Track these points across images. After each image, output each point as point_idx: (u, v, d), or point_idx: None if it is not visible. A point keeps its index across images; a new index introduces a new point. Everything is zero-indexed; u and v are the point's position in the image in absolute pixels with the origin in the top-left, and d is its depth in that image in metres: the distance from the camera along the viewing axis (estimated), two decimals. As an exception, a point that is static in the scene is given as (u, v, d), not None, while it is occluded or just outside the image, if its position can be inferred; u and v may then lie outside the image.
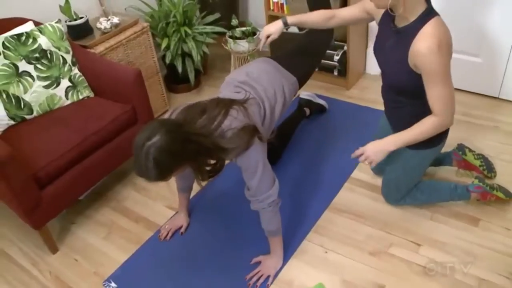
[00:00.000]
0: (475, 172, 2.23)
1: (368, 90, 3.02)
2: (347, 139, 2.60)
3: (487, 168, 2.20)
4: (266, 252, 1.98)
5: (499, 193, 2.05)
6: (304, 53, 2.19)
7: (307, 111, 2.75)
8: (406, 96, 1.78)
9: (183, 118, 1.61)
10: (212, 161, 1.70)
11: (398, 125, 1.87)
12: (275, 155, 2.43)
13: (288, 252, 2.00)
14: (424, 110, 1.71)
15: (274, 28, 2.01)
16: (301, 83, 2.16)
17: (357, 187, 2.30)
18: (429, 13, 1.59)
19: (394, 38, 1.70)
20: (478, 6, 2.46)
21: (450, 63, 1.59)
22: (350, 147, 2.51)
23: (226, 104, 1.70)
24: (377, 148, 1.77)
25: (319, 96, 2.89)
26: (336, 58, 2.93)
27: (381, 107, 2.77)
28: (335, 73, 3.02)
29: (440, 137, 1.83)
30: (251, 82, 1.92)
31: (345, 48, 2.91)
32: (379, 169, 2.26)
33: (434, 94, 1.62)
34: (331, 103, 2.89)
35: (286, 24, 2.00)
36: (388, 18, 1.73)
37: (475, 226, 2.02)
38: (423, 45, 1.55)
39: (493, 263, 1.86)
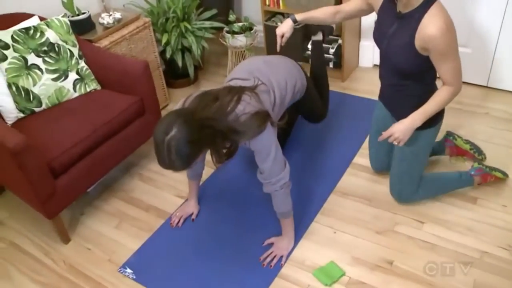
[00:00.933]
0: (466, 157, 2.34)
1: (362, 81, 3.13)
2: (345, 127, 2.70)
3: (477, 151, 2.31)
4: (277, 234, 2.05)
5: (497, 173, 2.17)
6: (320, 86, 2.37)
7: None
8: (411, 79, 1.85)
9: (196, 105, 1.65)
10: (228, 144, 1.75)
11: (402, 109, 1.94)
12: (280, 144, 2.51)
13: (298, 233, 2.07)
14: (426, 90, 1.82)
15: (286, 27, 2.13)
16: (306, 95, 2.21)
17: (360, 172, 2.39)
18: None
19: (398, 24, 1.77)
20: (467, -2, 2.60)
21: (457, 39, 1.68)
22: (348, 134, 2.64)
23: (238, 91, 1.76)
24: (405, 127, 1.83)
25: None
26: (332, 51, 3.02)
27: (375, 96, 2.91)
28: (331, 65, 3.11)
29: (440, 114, 1.93)
30: (266, 69, 1.99)
31: (340, 41, 3.01)
32: (380, 162, 2.29)
33: (446, 68, 1.71)
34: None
35: (295, 22, 2.11)
36: (389, 5, 1.81)
37: (474, 204, 2.12)
38: (433, 28, 1.62)
39: (492, 236, 1.97)
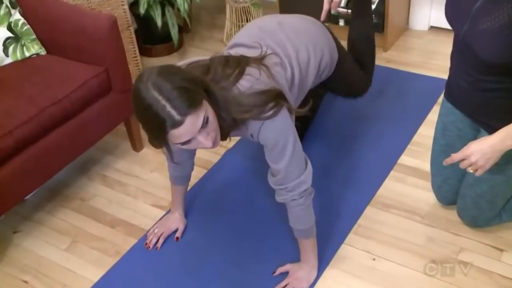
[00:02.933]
0: None
1: (413, 51, 3.16)
2: (388, 115, 2.73)
3: None
4: (294, 261, 2.06)
5: None
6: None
7: None
8: (507, 75, 1.78)
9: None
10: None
11: (489, 116, 1.90)
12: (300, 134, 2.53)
13: (323, 259, 2.09)
14: None
15: None
16: (336, 72, 2.24)
17: (408, 176, 2.42)
18: None
19: None
20: None
21: None
22: (392, 125, 2.66)
23: (239, 62, 1.77)
24: (489, 149, 1.75)
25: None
26: (372, 7, 3.01)
27: (430, 72, 2.94)
28: (369, 28, 3.13)
29: None
30: (281, 36, 2.00)
31: (383, -7, 3.03)
32: (452, 193, 2.22)
33: None
34: None
35: None
36: None
37: None
38: None
39: None
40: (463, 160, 1.80)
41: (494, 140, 1.75)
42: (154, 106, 1.51)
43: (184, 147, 1.64)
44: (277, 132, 1.75)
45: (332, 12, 2.18)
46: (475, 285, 1.97)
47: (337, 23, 3.20)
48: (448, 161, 1.85)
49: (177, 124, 1.52)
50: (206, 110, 1.58)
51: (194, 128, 1.55)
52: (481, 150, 1.76)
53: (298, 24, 2.11)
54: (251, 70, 1.75)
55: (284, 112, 1.75)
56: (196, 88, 1.57)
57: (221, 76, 1.71)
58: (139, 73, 1.82)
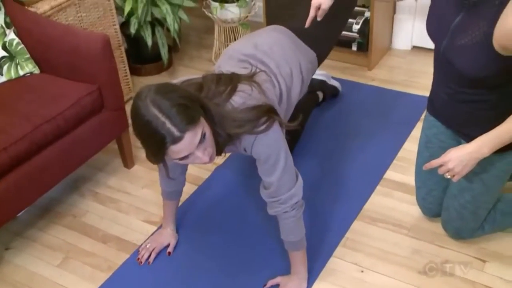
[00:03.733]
0: None
1: (396, 69, 3.23)
2: (374, 131, 2.79)
3: None
4: (284, 273, 2.10)
5: None
6: (325, 20, 2.31)
7: (321, 95, 2.89)
8: (485, 87, 1.83)
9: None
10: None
11: (469, 127, 1.95)
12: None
13: (313, 272, 2.12)
14: (508, 101, 1.81)
15: None
16: (321, 60, 2.32)
17: (393, 191, 2.47)
18: None
19: (466, 14, 1.75)
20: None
21: None
22: (379, 142, 2.72)
23: (231, 79, 1.83)
24: (465, 156, 1.81)
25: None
26: (356, 27, 3.10)
27: (413, 90, 3.01)
28: (354, 47, 3.21)
29: None
30: (261, 56, 2.06)
31: (367, 14, 3.09)
32: (436, 205, 2.26)
33: None
34: (349, 88, 3.08)
35: None
36: None
37: None
38: None
39: None
40: (441, 166, 1.86)
41: (471, 148, 1.81)
42: (154, 123, 1.55)
43: (182, 162, 1.68)
44: (270, 146, 1.80)
45: (318, 19, 2.19)
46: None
47: (350, 47, 3.25)
48: (427, 166, 1.92)
49: (176, 140, 1.56)
50: (203, 126, 1.63)
51: (192, 144, 1.60)
52: (459, 157, 1.83)
53: (270, 40, 2.15)
54: (243, 87, 1.81)
55: (276, 127, 1.80)
56: (193, 105, 1.62)
57: (214, 93, 1.75)
58: (128, 90, 1.87)
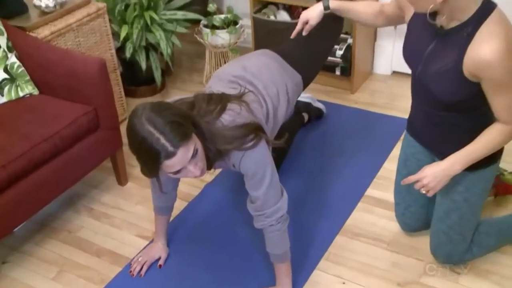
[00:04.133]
0: None
1: (377, 93, 3.27)
2: (356, 151, 2.82)
3: None
4: (269, 284, 2.11)
5: None
6: (311, 46, 2.36)
7: (306, 116, 2.93)
8: (457, 110, 1.86)
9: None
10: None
11: (443, 147, 1.96)
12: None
13: (297, 284, 2.13)
14: (479, 122, 1.84)
15: (314, 13, 2.16)
16: (306, 83, 2.37)
17: (374, 207, 2.50)
18: (487, 7, 1.66)
19: (438, 42, 1.79)
20: None
21: None
22: (360, 160, 2.76)
23: (221, 98, 1.87)
24: (439, 173, 1.84)
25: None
26: (339, 53, 3.15)
27: (393, 112, 3.06)
28: (337, 72, 3.25)
29: (500, 150, 1.94)
30: (250, 77, 2.10)
31: (350, 41, 3.14)
32: (414, 220, 2.28)
33: (501, 102, 1.72)
34: (334, 110, 3.12)
35: (327, 9, 2.15)
36: (424, 16, 1.77)
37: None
38: (486, 50, 1.61)
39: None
40: (417, 181, 1.88)
41: (444, 165, 1.85)
42: (149, 139, 1.59)
43: (175, 176, 1.71)
44: (257, 162, 1.83)
45: (304, 34, 2.22)
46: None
47: (334, 71, 3.28)
48: (405, 181, 1.94)
49: (170, 155, 1.60)
50: (195, 142, 1.67)
51: (185, 159, 1.63)
52: (433, 173, 1.85)
53: (259, 63, 2.20)
54: (232, 106, 1.84)
55: (262, 144, 1.84)
56: (185, 123, 1.65)
57: (205, 112, 1.79)
58: (123, 111, 1.88)
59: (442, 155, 1.95)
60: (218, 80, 2.13)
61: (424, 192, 1.89)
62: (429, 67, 1.83)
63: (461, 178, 1.94)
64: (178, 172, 1.68)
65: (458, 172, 1.84)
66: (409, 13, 1.90)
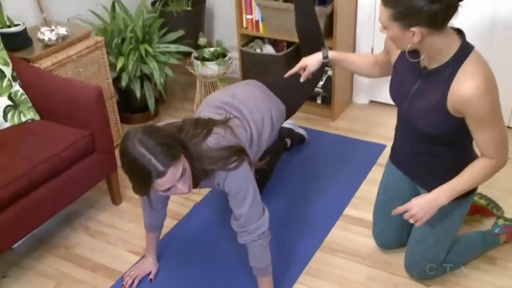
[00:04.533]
0: (483, 215, 2.48)
1: (356, 120, 3.33)
2: (335, 174, 2.88)
3: (495, 206, 2.47)
4: None
5: None
6: (295, 82, 2.39)
7: (289, 141, 3.00)
8: (442, 143, 1.91)
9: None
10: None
11: (428, 177, 2.02)
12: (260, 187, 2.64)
13: None
14: (462, 155, 1.91)
15: (313, 60, 2.20)
16: (290, 112, 2.44)
17: (352, 225, 2.54)
18: (466, 49, 1.73)
19: (423, 81, 1.84)
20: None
21: (499, 99, 1.74)
22: (339, 182, 2.81)
23: (207, 123, 1.93)
24: (426, 204, 1.88)
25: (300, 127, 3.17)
26: (320, 83, 3.23)
27: (372, 138, 3.13)
28: (319, 101, 3.33)
29: None
30: (237, 104, 2.17)
31: (330, 72, 3.22)
32: (390, 240, 2.34)
33: (485, 137, 1.77)
34: (316, 136, 3.18)
35: (326, 58, 2.20)
36: (410, 57, 1.82)
37: (493, 265, 2.27)
38: (468, 88, 1.67)
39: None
40: (406, 211, 1.92)
41: (430, 197, 1.89)
42: (141, 160, 1.63)
43: (165, 193, 1.75)
44: (239, 181, 1.88)
45: (301, 80, 2.23)
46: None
47: (315, 100, 3.35)
48: (394, 211, 1.96)
49: (161, 174, 1.64)
50: (183, 162, 1.72)
51: (174, 178, 1.68)
52: (420, 204, 1.89)
53: (246, 91, 2.26)
54: (217, 130, 1.89)
55: (245, 165, 1.88)
56: (175, 144, 1.70)
57: (192, 134, 1.84)
58: (118, 136, 1.92)
59: (426, 185, 2.01)
60: (207, 106, 2.19)
61: (412, 222, 1.92)
62: (415, 104, 1.87)
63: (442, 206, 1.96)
64: (167, 190, 1.72)
65: (443, 204, 1.88)
66: (395, 55, 1.96)
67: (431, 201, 1.88)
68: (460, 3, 1.62)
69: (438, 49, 1.73)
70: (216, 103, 2.18)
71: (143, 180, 1.69)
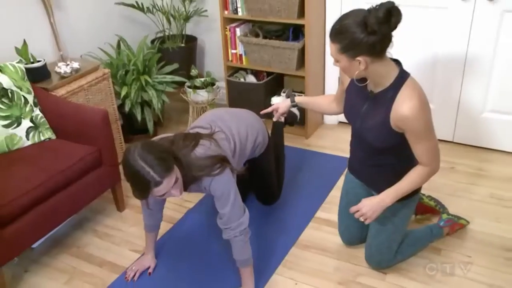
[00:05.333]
0: (432, 214, 2.61)
1: (326, 138, 3.46)
2: (308, 182, 2.98)
3: (441, 206, 2.60)
4: (236, 286, 2.24)
5: (462, 221, 2.49)
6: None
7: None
8: (388, 154, 2.02)
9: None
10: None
11: (378, 182, 2.11)
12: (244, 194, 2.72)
13: (259, 285, 2.27)
14: (404, 164, 2.01)
15: (282, 104, 2.42)
16: (269, 147, 2.53)
17: (322, 225, 2.64)
18: (403, 75, 1.85)
19: (370, 103, 1.94)
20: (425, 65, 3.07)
21: (431, 117, 1.86)
22: (311, 189, 2.91)
23: (194, 137, 2.05)
24: (374, 205, 1.99)
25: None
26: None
27: (339, 153, 3.24)
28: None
29: None
30: (228, 118, 2.30)
31: (304, 97, 3.37)
32: (352, 237, 2.45)
33: (421, 148, 1.88)
34: (291, 151, 3.27)
35: (293, 102, 2.43)
36: (357, 84, 1.93)
37: (438, 254, 2.39)
38: (406, 108, 1.78)
39: (459, 287, 2.22)
40: (357, 211, 2.04)
41: (378, 198, 2.01)
42: (141, 172, 1.75)
43: (160, 197, 1.87)
44: (223, 185, 1.98)
45: (274, 119, 2.41)
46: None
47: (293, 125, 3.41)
48: (350, 211, 2.08)
49: (158, 183, 1.76)
50: (176, 172, 1.83)
51: (169, 186, 1.80)
52: (369, 205, 2.02)
53: (239, 112, 2.41)
54: (204, 142, 2.02)
55: (227, 171, 2.00)
56: (169, 158, 1.82)
57: (182, 146, 1.96)
58: (122, 153, 1.99)
59: (376, 189, 2.11)
60: (202, 118, 2.32)
61: (362, 219, 2.03)
62: (365, 122, 1.98)
63: (390, 207, 2.07)
64: (163, 195, 1.84)
65: (389, 205, 2.00)
66: (347, 83, 2.07)
67: (378, 202, 2.00)
68: (393, 35, 1.75)
69: (381, 75, 1.85)
70: (210, 117, 2.30)
71: (143, 188, 1.79)
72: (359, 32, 1.72)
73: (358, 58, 1.78)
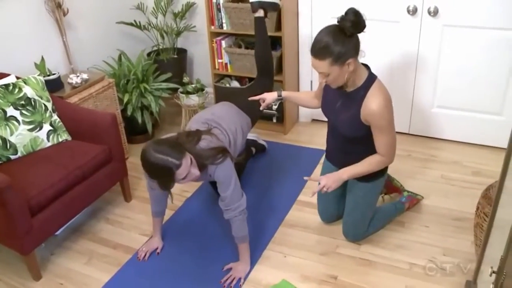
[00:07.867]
0: (397, 193, 2.70)
1: (302, 133, 3.53)
2: (290, 171, 3.06)
3: (404, 187, 2.73)
4: (235, 260, 2.31)
5: (419, 196, 2.61)
6: (255, 103, 2.61)
7: (253, 150, 3.20)
8: (358, 144, 2.10)
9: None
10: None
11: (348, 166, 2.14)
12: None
13: (254, 259, 2.34)
14: (370, 152, 2.08)
15: (270, 96, 2.42)
16: (253, 122, 2.65)
17: (304, 207, 2.72)
18: (371, 77, 1.94)
19: (344, 100, 2.01)
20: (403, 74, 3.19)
21: (393, 115, 1.95)
22: (293, 177, 2.97)
23: (196, 133, 2.11)
24: (334, 177, 2.06)
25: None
26: (275, 107, 3.45)
27: (314, 146, 3.31)
28: (274, 120, 3.52)
29: (386, 167, 2.22)
30: (217, 119, 2.36)
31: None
32: (329, 215, 2.50)
33: (381, 141, 1.97)
34: (272, 146, 3.35)
35: (280, 96, 2.43)
36: (338, 89, 2.00)
37: (402, 227, 2.51)
38: (374, 104, 1.87)
39: (419, 251, 2.34)
40: (323, 187, 2.08)
41: (337, 173, 2.09)
42: (161, 163, 1.80)
43: (183, 181, 1.90)
44: (225, 171, 2.05)
45: (261, 108, 2.42)
46: (344, 264, 2.29)
47: (271, 120, 3.52)
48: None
49: (178, 166, 1.82)
50: (189, 155, 1.89)
51: (187, 165, 1.85)
52: (328, 177, 2.07)
53: (223, 110, 2.47)
54: (205, 136, 2.08)
55: (228, 160, 2.06)
56: (179, 145, 1.89)
57: (186, 141, 2.01)
58: (126, 152, 1.97)
59: None
60: (194, 122, 2.36)
61: (325, 190, 2.06)
62: (339, 117, 2.06)
63: (361, 187, 2.15)
64: (185, 177, 1.88)
65: (345, 180, 2.07)
66: (324, 84, 2.10)
67: (335, 175, 2.06)
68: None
69: (359, 74, 1.94)
70: (201, 119, 2.35)
71: (166, 176, 1.84)
72: (341, 40, 1.79)
73: (349, 61, 1.84)
